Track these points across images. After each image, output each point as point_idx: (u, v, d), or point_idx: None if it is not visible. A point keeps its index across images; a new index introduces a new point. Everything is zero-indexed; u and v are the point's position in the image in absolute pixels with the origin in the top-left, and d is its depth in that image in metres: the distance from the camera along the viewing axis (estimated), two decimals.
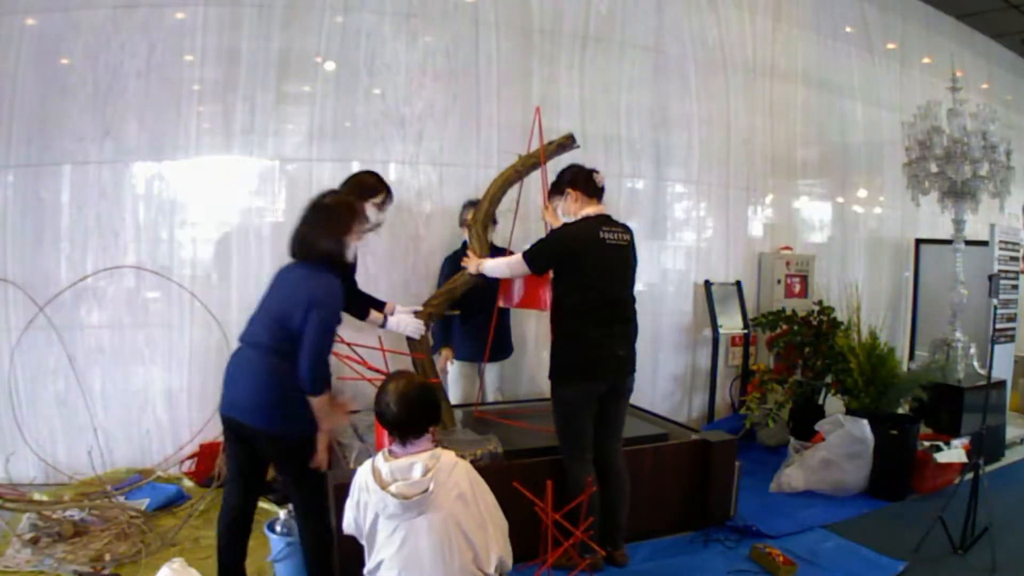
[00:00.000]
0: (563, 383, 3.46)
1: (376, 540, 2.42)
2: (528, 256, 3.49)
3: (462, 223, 4.50)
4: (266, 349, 2.72)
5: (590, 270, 3.39)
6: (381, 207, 3.71)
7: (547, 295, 3.86)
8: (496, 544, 2.43)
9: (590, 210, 3.52)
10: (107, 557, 3.26)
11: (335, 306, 2.74)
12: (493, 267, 3.66)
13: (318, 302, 2.66)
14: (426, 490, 2.32)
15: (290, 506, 3.27)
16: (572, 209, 3.57)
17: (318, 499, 2.94)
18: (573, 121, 5.13)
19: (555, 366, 3.49)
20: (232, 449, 2.89)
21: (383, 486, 2.35)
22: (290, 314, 2.67)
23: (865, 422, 4.45)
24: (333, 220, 2.84)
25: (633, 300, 3.61)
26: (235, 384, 2.79)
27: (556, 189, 3.63)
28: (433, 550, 2.32)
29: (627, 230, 3.59)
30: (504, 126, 4.95)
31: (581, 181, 3.54)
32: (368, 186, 3.68)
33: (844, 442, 4.44)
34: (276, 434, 2.72)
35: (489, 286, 3.96)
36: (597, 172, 3.58)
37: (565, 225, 3.52)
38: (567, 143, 3.96)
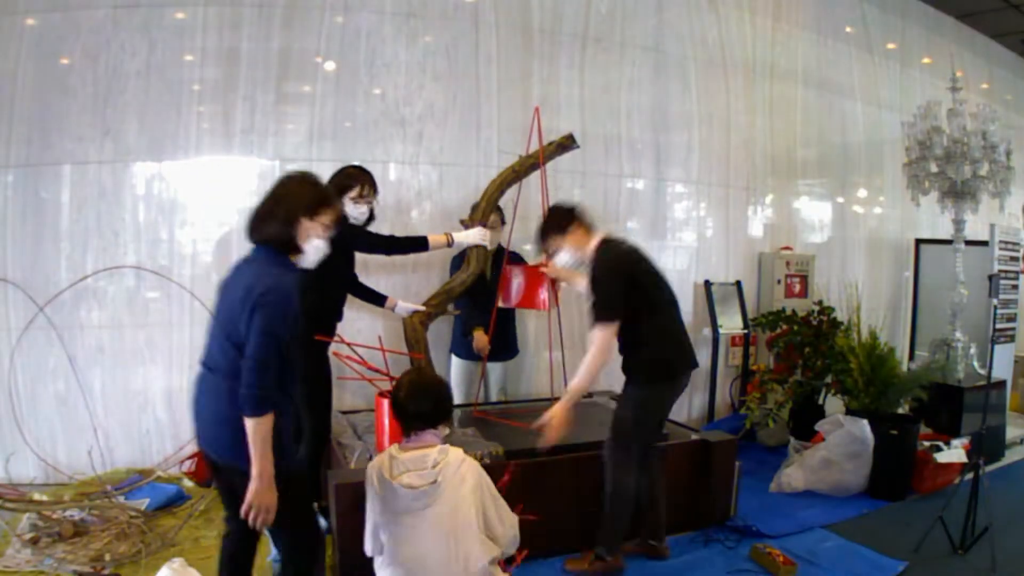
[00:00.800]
0: (654, 383, 3.41)
1: (384, 533, 2.48)
2: (602, 317, 3.24)
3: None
4: (223, 373, 2.33)
5: (650, 284, 3.37)
6: (359, 200, 3.60)
7: (545, 295, 3.86)
8: (501, 538, 2.49)
9: (597, 235, 3.43)
10: (107, 557, 3.26)
11: (283, 307, 2.26)
12: (583, 371, 3.30)
13: (262, 302, 2.22)
14: (434, 481, 2.38)
15: None
16: (582, 242, 3.42)
17: (305, 547, 2.55)
18: (573, 121, 5.13)
19: (644, 367, 3.38)
20: (217, 482, 2.60)
21: (392, 477, 2.40)
22: (235, 323, 2.28)
23: (865, 422, 4.45)
24: (287, 199, 2.41)
25: None
26: (200, 415, 2.45)
27: (555, 231, 3.45)
28: (437, 542, 2.36)
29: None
30: (504, 126, 4.95)
31: (579, 214, 3.45)
32: (341, 182, 3.60)
33: (844, 442, 4.44)
34: (245, 470, 2.25)
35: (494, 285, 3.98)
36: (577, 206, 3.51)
37: (599, 256, 3.36)
38: (567, 143, 3.96)
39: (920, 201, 5.70)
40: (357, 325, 4.45)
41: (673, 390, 3.48)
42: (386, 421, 3.36)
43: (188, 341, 4.35)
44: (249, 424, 2.21)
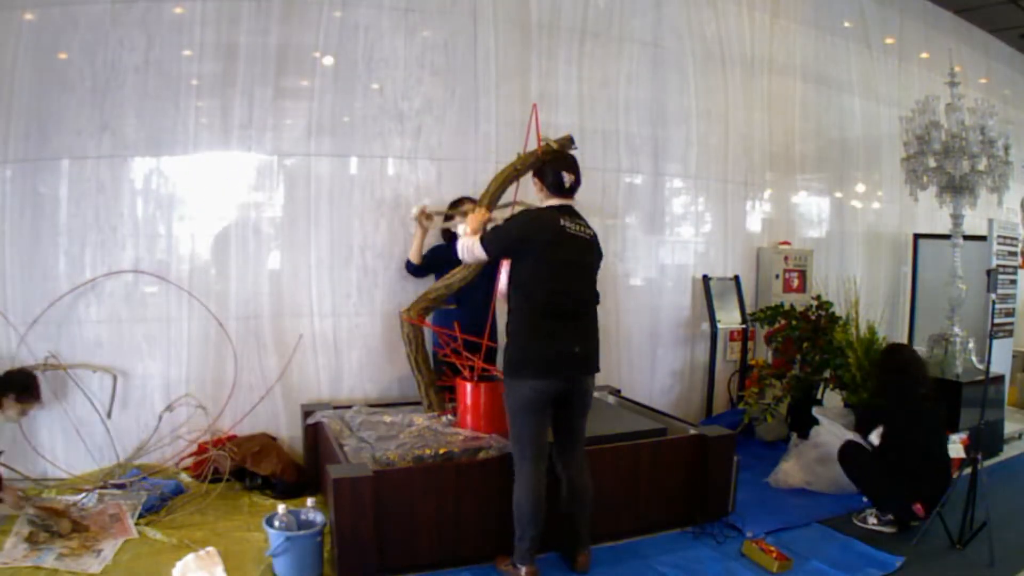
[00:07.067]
0: (514, 378, 3.20)
1: None
2: (484, 240, 3.30)
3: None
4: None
5: (547, 258, 3.18)
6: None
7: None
8: None
9: (554, 202, 3.34)
10: (104, 551, 3.26)
11: None
12: (461, 247, 3.43)
13: None
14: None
15: (282, 506, 3.30)
16: (539, 198, 3.43)
17: None
18: (571, 116, 5.13)
19: (508, 360, 3.23)
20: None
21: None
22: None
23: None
24: None
25: (594, 297, 3.41)
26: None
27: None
28: None
29: (589, 226, 3.40)
30: (502, 121, 4.94)
31: (548, 176, 3.36)
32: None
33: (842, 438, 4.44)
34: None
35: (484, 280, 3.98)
36: (569, 171, 3.35)
37: (524, 210, 3.39)
38: (566, 144, 3.96)
39: (918, 196, 5.69)
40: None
41: (539, 391, 3.20)
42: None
43: (186, 335, 4.34)
44: None
